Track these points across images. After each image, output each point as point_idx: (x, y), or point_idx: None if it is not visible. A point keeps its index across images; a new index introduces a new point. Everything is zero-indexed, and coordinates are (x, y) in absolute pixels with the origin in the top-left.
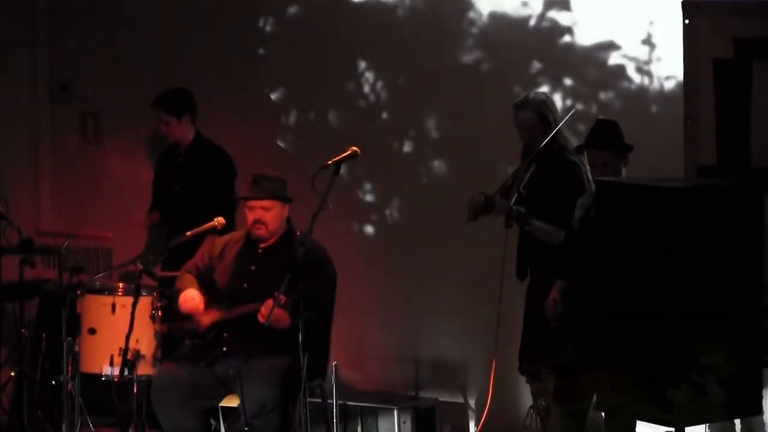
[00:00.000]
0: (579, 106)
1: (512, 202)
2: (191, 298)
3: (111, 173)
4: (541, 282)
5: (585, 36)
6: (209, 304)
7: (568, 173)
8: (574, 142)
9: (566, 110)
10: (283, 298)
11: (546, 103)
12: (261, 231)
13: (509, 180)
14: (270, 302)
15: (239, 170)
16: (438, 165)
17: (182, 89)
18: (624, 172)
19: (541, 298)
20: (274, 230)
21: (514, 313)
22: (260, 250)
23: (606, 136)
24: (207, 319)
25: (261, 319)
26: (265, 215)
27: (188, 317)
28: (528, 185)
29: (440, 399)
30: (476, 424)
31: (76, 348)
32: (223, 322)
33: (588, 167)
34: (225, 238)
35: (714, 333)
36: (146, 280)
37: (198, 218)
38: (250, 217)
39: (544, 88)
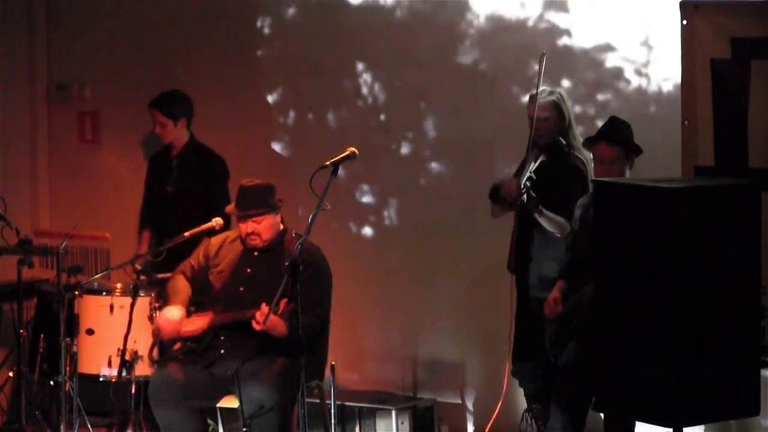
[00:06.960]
0: (577, 108)
1: (523, 181)
2: (167, 319)
3: (109, 173)
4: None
5: (583, 37)
6: (205, 306)
7: (574, 169)
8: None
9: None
10: (283, 305)
11: (563, 99)
12: (256, 242)
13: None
14: (266, 309)
15: (238, 171)
16: (436, 166)
17: (180, 92)
18: (628, 174)
19: (534, 300)
20: (269, 238)
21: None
22: (255, 253)
23: (620, 133)
24: (203, 324)
25: (256, 327)
26: (258, 227)
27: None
28: (535, 174)
29: (438, 399)
30: (474, 425)
31: (74, 348)
32: (218, 326)
33: (591, 164)
34: (220, 237)
35: (712, 333)
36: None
37: (191, 220)
38: (244, 229)
39: (542, 89)
